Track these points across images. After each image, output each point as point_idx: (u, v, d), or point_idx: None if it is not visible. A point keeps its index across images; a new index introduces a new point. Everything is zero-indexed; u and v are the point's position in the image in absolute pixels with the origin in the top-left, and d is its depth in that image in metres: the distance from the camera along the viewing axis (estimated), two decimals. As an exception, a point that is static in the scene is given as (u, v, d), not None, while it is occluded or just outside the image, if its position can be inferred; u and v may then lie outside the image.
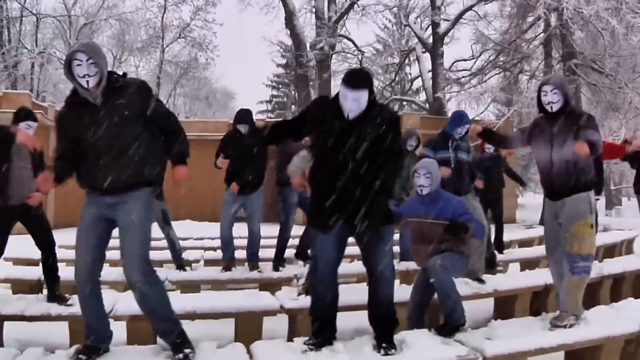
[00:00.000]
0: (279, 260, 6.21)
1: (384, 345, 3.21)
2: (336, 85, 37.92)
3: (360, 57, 30.04)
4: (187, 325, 4.59)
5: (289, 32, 27.73)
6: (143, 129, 3.03)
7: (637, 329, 3.75)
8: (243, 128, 5.68)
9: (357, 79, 3.15)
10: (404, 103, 35.93)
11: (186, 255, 7.60)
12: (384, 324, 3.33)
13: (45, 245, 4.60)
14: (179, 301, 4.40)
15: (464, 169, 5.39)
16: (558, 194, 3.87)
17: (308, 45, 27.37)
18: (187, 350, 3.05)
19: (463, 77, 22.48)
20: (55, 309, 4.26)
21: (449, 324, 3.70)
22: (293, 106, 40.31)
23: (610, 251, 8.61)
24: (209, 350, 3.21)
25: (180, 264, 6.01)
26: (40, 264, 4.71)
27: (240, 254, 6.52)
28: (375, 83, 39.25)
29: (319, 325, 3.28)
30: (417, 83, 36.67)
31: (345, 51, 29.10)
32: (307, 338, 3.29)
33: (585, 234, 3.79)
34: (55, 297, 4.44)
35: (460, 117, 5.35)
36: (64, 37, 27.04)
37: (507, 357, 3.30)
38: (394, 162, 3.24)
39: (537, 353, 3.41)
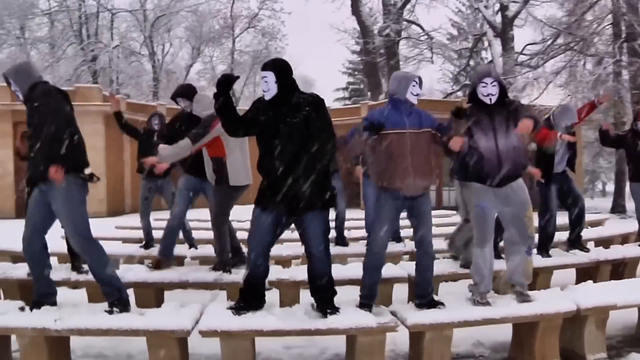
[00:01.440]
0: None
1: (328, 310, 3.65)
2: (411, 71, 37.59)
3: (430, 42, 29.79)
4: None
5: (355, 19, 28.01)
6: (58, 120, 3.67)
7: (574, 309, 3.95)
8: (182, 102, 5.56)
9: (265, 62, 3.73)
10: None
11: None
12: (325, 295, 3.76)
13: None
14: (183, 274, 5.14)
15: None
16: (504, 181, 4.08)
17: (376, 32, 27.53)
18: (115, 309, 3.72)
19: (523, 61, 21.76)
20: (74, 276, 5.09)
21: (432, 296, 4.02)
22: (369, 93, 40.67)
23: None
24: (171, 308, 3.85)
25: (192, 243, 6.69)
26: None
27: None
28: (451, 68, 38.67)
29: (248, 294, 3.76)
30: (493, 68, 35.68)
31: (411, 37, 28.90)
32: (233, 303, 3.82)
33: (532, 216, 4.17)
34: (76, 267, 5.22)
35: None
36: (141, 30, 28.92)
37: (428, 327, 3.66)
38: (323, 143, 3.60)
39: (460, 326, 3.74)
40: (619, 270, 6.22)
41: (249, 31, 31.49)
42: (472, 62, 35.48)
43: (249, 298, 3.75)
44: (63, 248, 6.05)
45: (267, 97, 3.65)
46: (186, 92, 5.69)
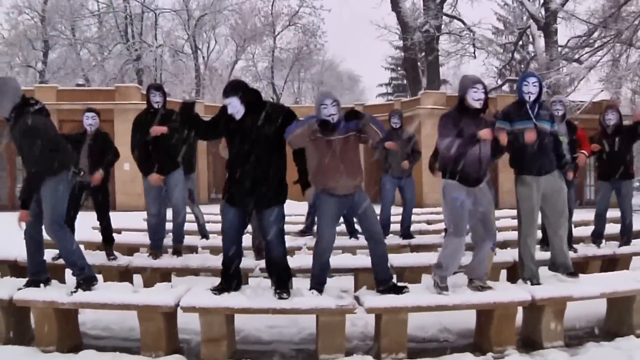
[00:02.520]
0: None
1: (278, 291, 4.16)
2: (451, 67, 37.33)
3: (471, 37, 29.58)
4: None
5: (395, 15, 28.13)
6: (41, 143, 4.23)
7: (529, 299, 4.25)
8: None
9: (226, 89, 4.13)
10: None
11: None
12: (279, 277, 4.28)
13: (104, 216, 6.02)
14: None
15: (545, 141, 4.70)
16: (477, 182, 4.40)
17: (415, 27, 27.57)
18: (78, 289, 4.24)
19: (564, 54, 21.38)
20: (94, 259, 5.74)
21: (392, 281, 4.37)
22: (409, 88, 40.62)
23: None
24: (162, 288, 4.41)
25: (204, 234, 7.28)
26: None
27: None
28: (496, 63, 38.08)
29: (226, 275, 4.28)
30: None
31: (451, 32, 28.77)
32: (216, 284, 4.32)
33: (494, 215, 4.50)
34: (108, 254, 5.87)
35: (524, 76, 4.79)
36: (185, 29, 30.05)
37: (383, 310, 4.06)
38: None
39: (414, 310, 4.11)
40: (612, 265, 6.37)
41: (289, 29, 32.20)
42: (517, 56, 34.97)
43: (227, 280, 4.27)
44: (91, 237, 6.82)
45: (237, 117, 4.12)
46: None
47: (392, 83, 45.32)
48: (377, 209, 7.23)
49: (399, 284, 4.42)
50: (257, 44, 32.81)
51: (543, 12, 25.69)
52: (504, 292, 4.33)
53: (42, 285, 4.36)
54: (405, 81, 44.58)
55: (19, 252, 5.76)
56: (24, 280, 4.49)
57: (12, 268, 5.70)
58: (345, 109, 4.31)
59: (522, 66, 38.16)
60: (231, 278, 4.28)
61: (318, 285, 4.31)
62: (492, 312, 4.25)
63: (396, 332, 4.09)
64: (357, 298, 4.23)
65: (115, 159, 5.95)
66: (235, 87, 4.13)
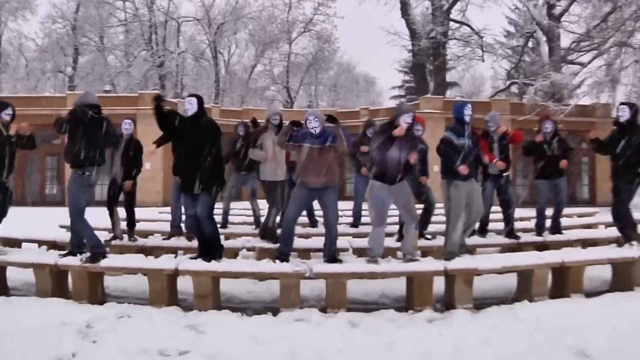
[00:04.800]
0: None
1: (203, 258, 5.64)
2: (461, 70, 38.11)
3: (479, 41, 30.64)
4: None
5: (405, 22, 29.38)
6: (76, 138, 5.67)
7: (442, 269, 5.57)
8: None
9: (190, 94, 5.80)
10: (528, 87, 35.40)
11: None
12: (211, 248, 5.73)
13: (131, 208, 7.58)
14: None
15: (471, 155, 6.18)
16: (396, 180, 5.78)
17: (423, 34, 28.76)
18: (86, 258, 5.62)
19: (566, 57, 22.29)
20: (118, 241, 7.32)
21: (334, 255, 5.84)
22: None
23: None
24: (166, 257, 5.84)
25: (258, 224, 8.66)
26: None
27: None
28: (506, 65, 38.91)
29: (200, 249, 5.80)
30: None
31: (458, 38, 29.90)
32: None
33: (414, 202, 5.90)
34: (129, 236, 7.47)
35: (464, 104, 6.13)
36: (206, 35, 31.78)
37: (327, 275, 5.42)
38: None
39: (352, 277, 5.46)
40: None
41: (304, 35, 33.74)
42: (527, 59, 35.84)
43: (200, 250, 5.81)
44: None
45: (190, 113, 5.63)
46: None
47: (405, 86, 46.27)
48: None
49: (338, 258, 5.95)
50: (274, 50, 34.37)
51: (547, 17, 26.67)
52: (424, 263, 5.67)
53: (78, 255, 5.83)
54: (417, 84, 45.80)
55: (57, 235, 7.55)
56: (64, 252, 6.00)
57: (52, 246, 7.25)
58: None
59: (534, 68, 38.90)
60: (201, 248, 5.79)
61: (282, 255, 5.78)
62: (414, 279, 5.58)
63: (338, 292, 5.44)
64: (310, 267, 5.58)
65: (140, 169, 7.53)
66: (196, 94, 5.82)
